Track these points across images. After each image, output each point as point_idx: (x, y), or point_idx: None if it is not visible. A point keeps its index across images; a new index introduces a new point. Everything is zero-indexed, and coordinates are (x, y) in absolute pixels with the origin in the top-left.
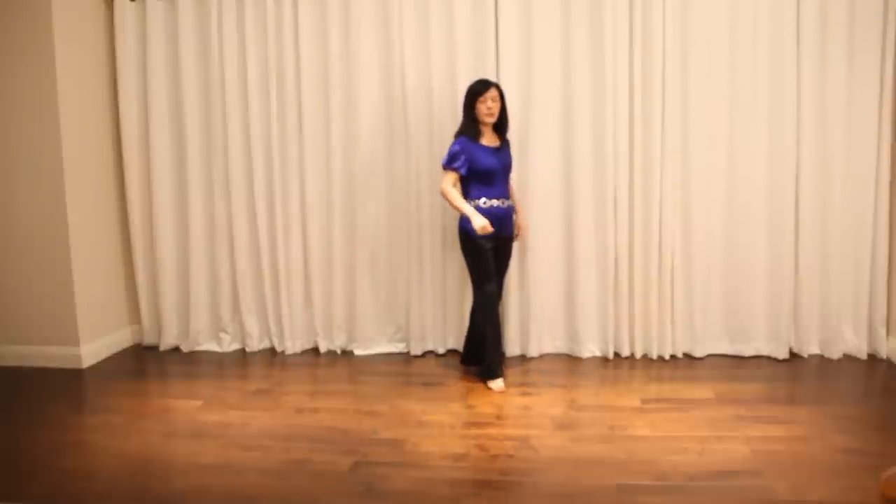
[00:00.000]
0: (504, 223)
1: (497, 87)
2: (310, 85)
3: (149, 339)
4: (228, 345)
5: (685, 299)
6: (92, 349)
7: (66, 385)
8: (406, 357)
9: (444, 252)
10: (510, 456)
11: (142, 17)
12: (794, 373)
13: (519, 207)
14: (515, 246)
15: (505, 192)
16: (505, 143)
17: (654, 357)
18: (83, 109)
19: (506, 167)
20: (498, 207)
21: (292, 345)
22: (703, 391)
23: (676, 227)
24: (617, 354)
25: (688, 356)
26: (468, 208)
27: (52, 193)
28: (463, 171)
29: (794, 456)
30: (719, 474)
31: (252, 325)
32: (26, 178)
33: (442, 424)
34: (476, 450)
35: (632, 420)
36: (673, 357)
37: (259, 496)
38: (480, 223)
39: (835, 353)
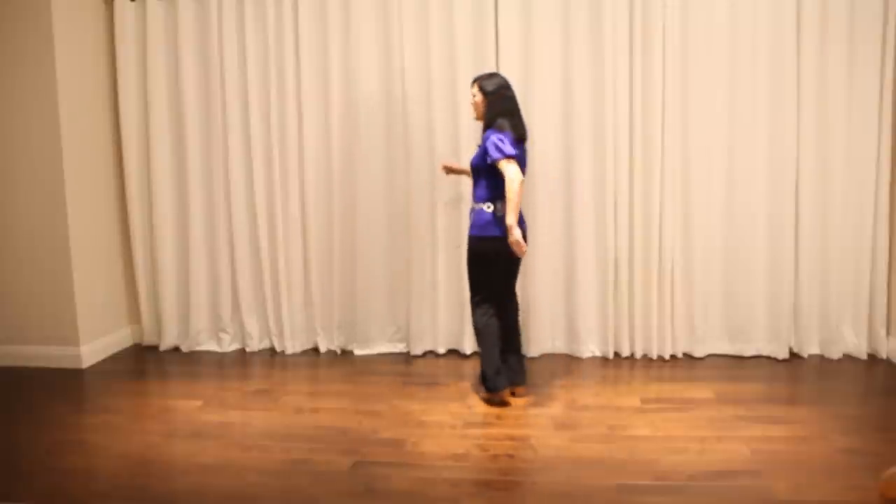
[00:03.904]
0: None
1: (476, 82)
2: (310, 85)
3: (149, 339)
4: (228, 345)
5: (685, 299)
6: (92, 349)
7: (66, 385)
8: (406, 357)
9: (445, 252)
10: (510, 456)
11: (142, 17)
12: (794, 373)
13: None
14: None
15: (477, 195)
16: (483, 142)
17: (654, 357)
18: (83, 110)
19: (474, 167)
20: (471, 210)
21: (292, 345)
22: (703, 391)
23: (676, 227)
24: (617, 354)
25: (688, 356)
26: (513, 218)
27: (52, 193)
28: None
29: (794, 456)
30: (719, 474)
31: (252, 325)
32: (26, 178)
33: (442, 424)
34: (476, 450)
35: (632, 420)
36: (673, 357)
37: (259, 496)
38: (514, 238)
39: (835, 353)
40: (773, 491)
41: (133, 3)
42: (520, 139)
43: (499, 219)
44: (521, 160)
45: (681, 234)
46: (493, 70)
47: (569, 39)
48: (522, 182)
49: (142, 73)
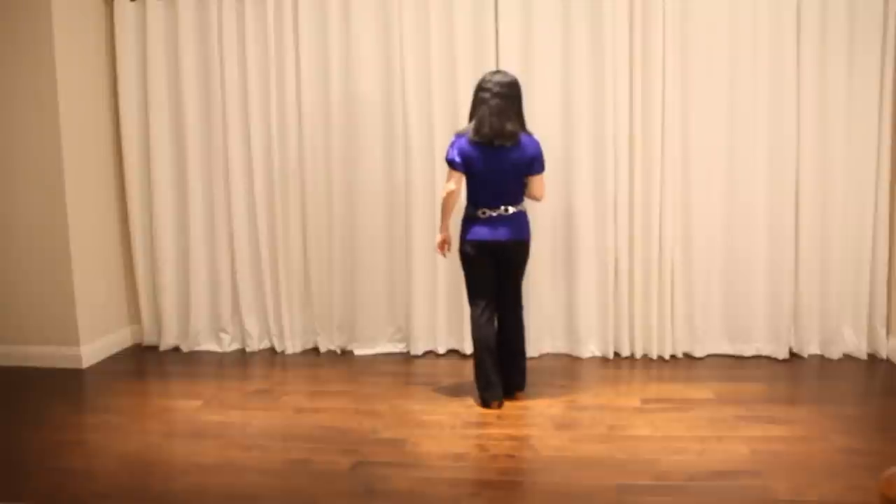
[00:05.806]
0: None
1: None
2: (310, 85)
3: (149, 339)
4: (228, 345)
5: (685, 299)
6: (92, 349)
7: (66, 385)
8: (406, 357)
9: None
10: (510, 456)
11: (142, 17)
12: (794, 373)
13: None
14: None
15: None
16: None
17: (654, 357)
18: (83, 109)
19: None
20: None
21: (292, 345)
22: (703, 391)
23: (677, 227)
24: (617, 354)
25: (688, 356)
26: (438, 221)
27: (52, 193)
28: None
29: (794, 456)
30: (719, 474)
31: (252, 325)
32: (26, 178)
33: (442, 424)
34: (476, 450)
35: (632, 420)
36: (673, 357)
37: (259, 496)
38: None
39: (835, 353)
40: (773, 491)
41: (133, 4)
42: (480, 142)
43: (468, 219)
44: (484, 163)
45: (681, 234)
46: (494, 69)
47: (569, 39)
48: (452, 193)
49: (142, 73)
